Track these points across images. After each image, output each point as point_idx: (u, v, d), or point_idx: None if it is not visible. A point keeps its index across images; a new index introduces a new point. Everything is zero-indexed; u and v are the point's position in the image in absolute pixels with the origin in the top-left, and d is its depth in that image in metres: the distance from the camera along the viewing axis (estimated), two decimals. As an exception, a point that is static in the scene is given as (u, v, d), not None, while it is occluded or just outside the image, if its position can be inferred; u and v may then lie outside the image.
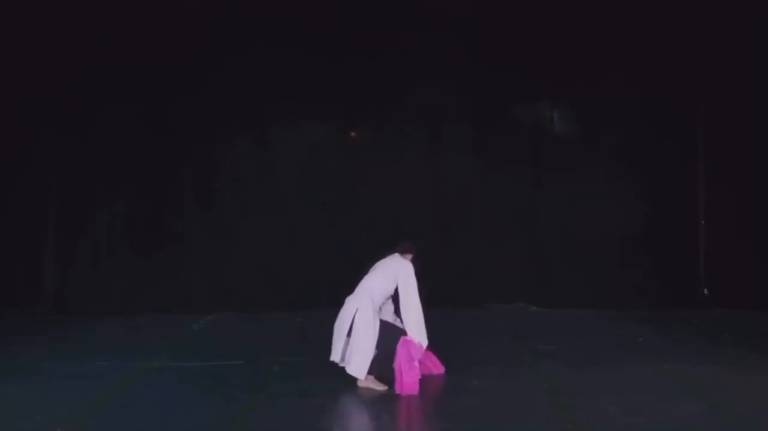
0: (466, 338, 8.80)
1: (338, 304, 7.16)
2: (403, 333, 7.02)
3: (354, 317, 7.00)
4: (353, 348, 6.99)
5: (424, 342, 7.01)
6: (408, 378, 6.78)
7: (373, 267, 7.32)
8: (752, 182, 10.21)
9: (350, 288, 7.22)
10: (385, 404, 6.68)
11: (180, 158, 10.56)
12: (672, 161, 10.56)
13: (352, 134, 10.80)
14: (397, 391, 6.80)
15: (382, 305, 7.24)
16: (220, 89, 10.37)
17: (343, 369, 7.04)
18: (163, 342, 8.71)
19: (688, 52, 10.24)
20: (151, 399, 6.62)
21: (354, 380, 6.97)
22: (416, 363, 6.87)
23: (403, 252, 7.31)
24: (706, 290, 10.54)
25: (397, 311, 7.27)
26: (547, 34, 10.29)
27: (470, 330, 9.23)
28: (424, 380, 6.97)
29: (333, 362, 7.10)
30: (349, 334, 7.02)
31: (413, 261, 7.26)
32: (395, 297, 7.22)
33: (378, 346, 6.99)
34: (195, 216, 10.58)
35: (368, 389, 6.95)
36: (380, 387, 6.96)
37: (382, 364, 6.99)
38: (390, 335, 7.03)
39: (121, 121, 10.42)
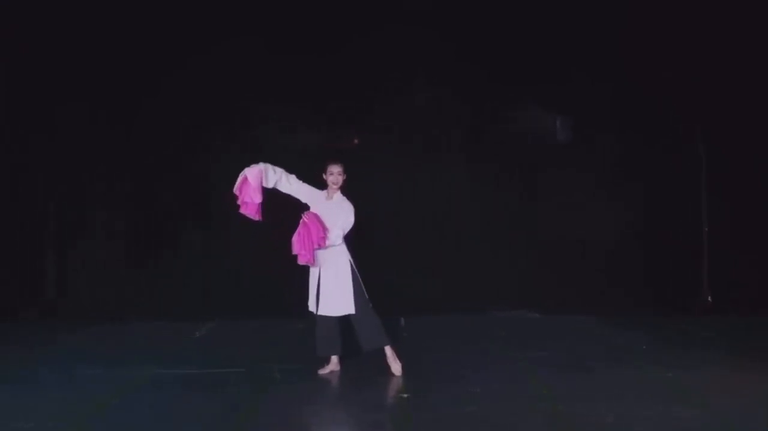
0: (465, 346, 8.79)
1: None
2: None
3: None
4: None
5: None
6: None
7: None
8: (754, 188, 10.20)
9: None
10: (386, 411, 6.69)
11: (175, 164, 10.58)
12: (675, 168, 10.54)
13: (355, 141, 10.77)
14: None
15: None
16: (212, 95, 10.38)
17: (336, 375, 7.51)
18: (163, 349, 8.71)
19: (688, 56, 10.23)
20: (152, 407, 6.60)
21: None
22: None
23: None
24: (709, 298, 10.52)
25: None
26: (545, 40, 10.29)
27: (470, 338, 9.22)
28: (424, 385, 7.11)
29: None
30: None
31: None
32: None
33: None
34: (193, 223, 10.61)
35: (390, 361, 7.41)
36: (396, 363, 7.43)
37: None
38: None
39: (118, 126, 10.45)
